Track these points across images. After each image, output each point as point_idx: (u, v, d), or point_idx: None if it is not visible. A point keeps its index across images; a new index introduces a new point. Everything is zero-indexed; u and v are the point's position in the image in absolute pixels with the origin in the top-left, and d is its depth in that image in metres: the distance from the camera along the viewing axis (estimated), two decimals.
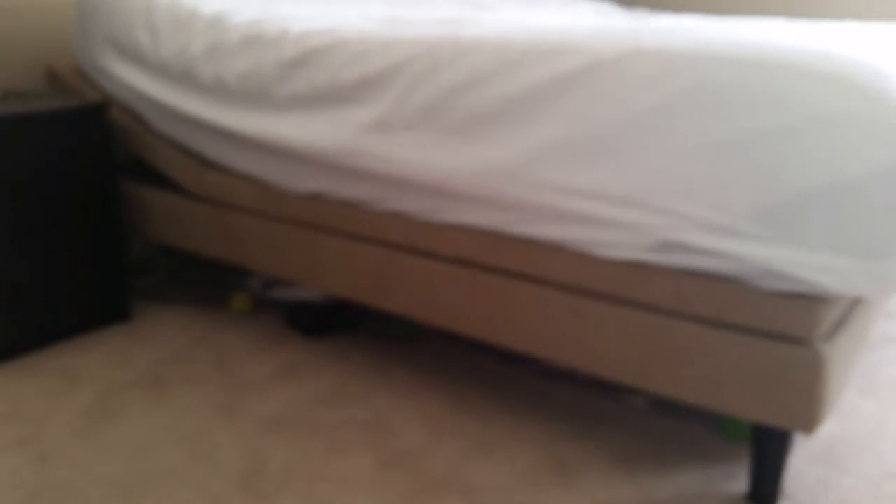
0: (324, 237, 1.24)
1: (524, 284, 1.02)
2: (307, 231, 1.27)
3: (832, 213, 0.78)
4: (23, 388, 1.24)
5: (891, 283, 0.79)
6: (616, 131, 0.88)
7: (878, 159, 0.76)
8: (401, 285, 1.15)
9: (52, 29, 1.68)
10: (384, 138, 1.07)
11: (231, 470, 1.02)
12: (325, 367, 1.32)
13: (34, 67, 1.66)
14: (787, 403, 0.84)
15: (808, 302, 0.82)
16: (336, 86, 1.12)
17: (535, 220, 0.99)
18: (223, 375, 1.29)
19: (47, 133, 1.33)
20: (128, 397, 1.21)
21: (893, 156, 0.75)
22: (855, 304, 0.94)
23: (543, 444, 1.08)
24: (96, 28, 1.51)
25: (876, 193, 0.76)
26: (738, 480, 1.00)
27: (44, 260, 1.36)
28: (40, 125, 1.32)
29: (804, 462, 1.03)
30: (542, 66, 0.93)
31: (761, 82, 0.80)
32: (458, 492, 0.97)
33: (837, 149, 0.76)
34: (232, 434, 1.11)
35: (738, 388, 0.87)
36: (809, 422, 0.84)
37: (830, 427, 1.11)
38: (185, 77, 1.34)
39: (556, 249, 0.98)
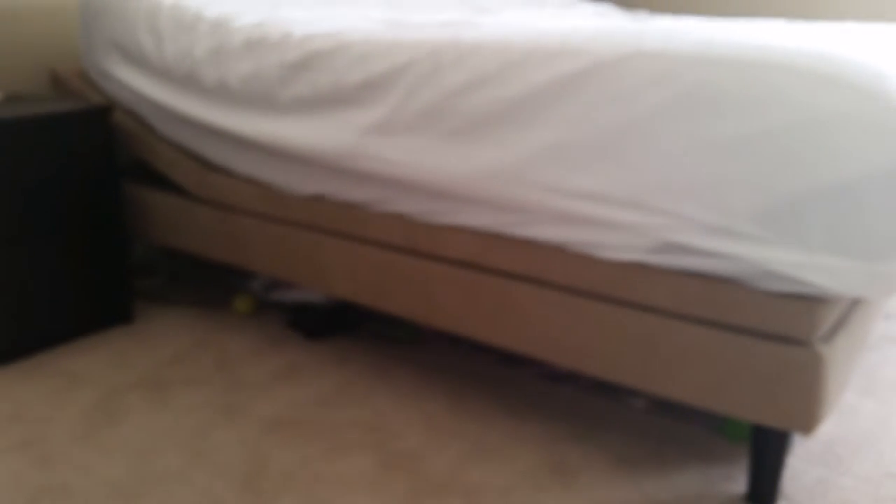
0: (326, 239, 1.25)
1: (525, 286, 1.02)
2: (309, 233, 1.27)
3: (832, 215, 0.78)
4: (25, 390, 1.25)
5: (889, 283, 0.80)
6: (616, 133, 0.88)
7: (878, 160, 0.76)
8: (402, 287, 1.16)
9: (56, 33, 1.69)
10: (386, 140, 1.08)
11: (232, 471, 1.02)
12: (327, 368, 1.32)
13: (38, 71, 1.67)
14: (786, 404, 0.84)
15: (807, 303, 0.82)
16: (338, 88, 1.13)
17: (536, 221, 0.99)
18: (225, 377, 1.29)
19: (51, 136, 1.34)
20: (130, 399, 1.22)
21: (892, 157, 0.76)
22: (854, 305, 0.94)
23: (544, 445, 1.08)
24: (100, 32, 1.52)
25: (875, 194, 0.77)
26: (738, 481, 1.00)
27: (46, 262, 1.36)
28: (44, 128, 1.33)
29: (803, 462, 1.03)
30: (543, 68, 0.93)
31: (761, 84, 0.80)
32: (459, 492, 0.98)
33: (837, 150, 0.77)
34: (233, 435, 1.11)
35: (737, 389, 0.87)
36: (808, 422, 0.84)
37: (829, 427, 1.11)
38: (188, 80, 1.35)
39: (556, 251, 0.99)
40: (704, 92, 0.82)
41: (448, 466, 1.03)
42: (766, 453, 0.93)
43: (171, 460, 1.05)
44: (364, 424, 1.14)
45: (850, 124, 0.76)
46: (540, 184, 0.94)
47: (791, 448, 1.03)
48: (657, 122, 0.86)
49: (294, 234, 1.29)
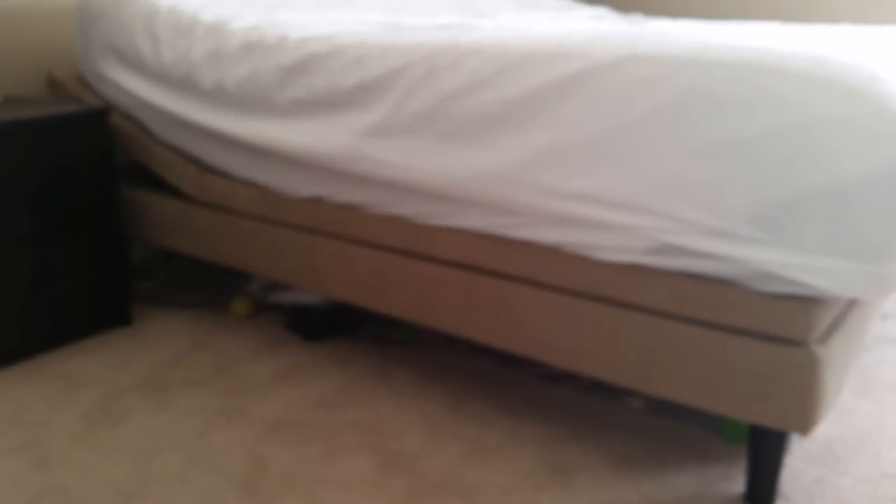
0: (323, 241, 1.25)
1: (522, 287, 1.02)
2: (307, 235, 1.27)
3: (827, 216, 0.78)
4: (24, 392, 1.25)
5: (885, 284, 0.80)
6: (613, 135, 0.89)
7: (872, 162, 0.76)
8: (400, 289, 1.16)
9: (53, 37, 1.69)
10: (383, 143, 1.08)
11: (232, 473, 1.02)
12: (326, 370, 1.32)
13: (35, 75, 1.67)
14: (783, 404, 0.85)
15: (803, 304, 0.82)
16: (335, 91, 1.13)
17: (533, 223, 0.99)
18: (224, 379, 1.29)
19: (49, 138, 1.34)
20: (129, 401, 1.22)
21: (888, 159, 0.76)
22: (850, 306, 0.95)
23: (542, 445, 1.08)
24: (97, 36, 1.52)
25: (870, 196, 0.77)
26: (736, 481, 1.00)
27: (45, 264, 1.36)
28: (42, 131, 1.33)
29: (801, 463, 1.03)
30: (540, 70, 0.93)
31: (757, 86, 0.80)
32: (458, 493, 0.98)
33: (832, 152, 0.77)
34: (233, 436, 1.11)
35: (734, 390, 0.87)
36: (805, 423, 0.84)
37: (827, 428, 1.11)
38: (185, 83, 1.35)
39: (553, 252, 0.99)
40: (699, 95, 0.83)
41: (447, 467, 1.03)
42: (763, 453, 0.93)
43: (171, 462, 1.05)
44: (363, 425, 1.14)
45: (844, 127, 0.77)
46: (537, 186, 0.95)
47: (789, 448, 1.04)
48: (653, 125, 0.86)
49: (292, 236, 1.29)
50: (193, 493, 0.98)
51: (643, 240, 0.90)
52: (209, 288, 1.69)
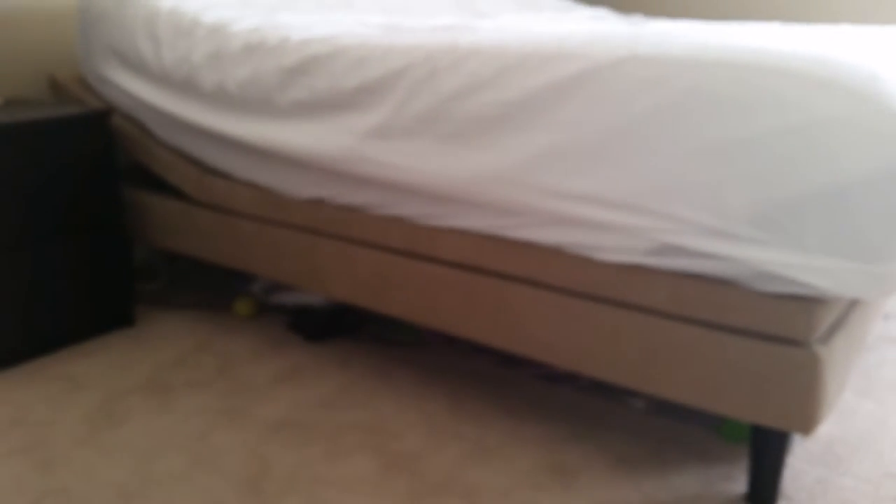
0: (325, 242, 1.26)
1: (523, 288, 1.02)
2: (308, 236, 1.28)
3: (827, 216, 0.78)
4: (27, 394, 1.25)
5: (886, 284, 0.80)
6: (613, 136, 0.89)
7: (873, 163, 0.76)
8: (401, 289, 1.16)
9: (55, 39, 1.70)
10: (384, 145, 1.09)
11: (234, 474, 1.03)
12: (328, 370, 1.33)
13: (37, 77, 1.68)
14: (784, 405, 0.85)
15: (804, 304, 0.82)
16: (336, 93, 1.14)
17: (534, 224, 1.00)
18: (226, 380, 1.30)
19: (51, 140, 1.35)
20: (132, 402, 1.22)
21: (888, 159, 0.76)
22: (852, 306, 0.95)
23: (543, 445, 1.09)
24: (98, 38, 1.53)
25: (870, 196, 0.77)
26: (737, 481, 1.00)
27: (48, 266, 1.37)
28: (44, 132, 1.34)
29: (803, 463, 1.03)
30: (540, 71, 0.93)
31: (757, 86, 0.80)
32: (459, 494, 0.98)
33: (832, 152, 0.77)
34: (235, 437, 1.11)
35: (736, 390, 0.87)
36: (807, 423, 0.84)
37: (829, 428, 1.11)
38: (186, 85, 1.36)
39: (554, 253, 0.99)
40: (699, 95, 0.83)
41: (448, 467, 1.03)
42: (765, 454, 0.93)
43: (173, 463, 1.05)
44: (365, 426, 1.14)
45: (844, 127, 0.77)
46: (537, 187, 0.95)
47: (790, 448, 1.04)
48: (653, 125, 0.86)
49: (293, 237, 1.30)
50: (196, 494, 0.98)
51: (644, 240, 0.90)
52: (212, 289, 1.70)
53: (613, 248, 0.93)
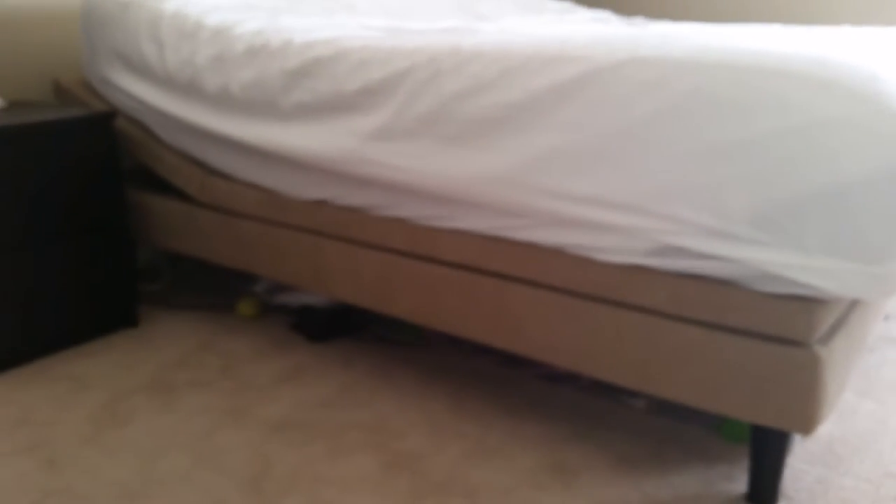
0: (328, 243, 1.26)
1: (524, 288, 1.03)
2: (311, 237, 1.28)
3: (828, 217, 0.78)
4: (32, 394, 1.26)
5: (887, 285, 0.80)
6: (614, 137, 0.89)
7: (873, 163, 0.76)
8: (404, 290, 1.17)
9: (59, 43, 1.71)
10: (387, 146, 1.09)
11: (237, 473, 1.03)
12: (330, 370, 1.33)
13: (41, 80, 1.69)
14: (785, 405, 0.85)
15: (805, 304, 0.83)
16: (339, 95, 1.14)
17: (535, 225, 1.00)
18: (229, 379, 1.30)
19: (55, 142, 1.36)
20: (135, 402, 1.23)
21: (889, 160, 0.76)
22: (853, 306, 0.95)
23: (544, 445, 1.09)
24: (102, 41, 1.54)
25: (871, 197, 0.77)
26: (738, 481, 1.01)
27: (52, 267, 1.38)
28: (49, 134, 1.35)
29: (803, 463, 1.04)
30: (542, 73, 0.94)
31: (757, 88, 0.81)
32: (460, 493, 0.98)
33: (833, 153, 0.77)
34: (238, 437, 1.12)
35: (736, 390, 0.88)
36: (807, 423, 0.85)
37: (829, 428, 1.12)
38: (190, 88, 1.37)
39: (555, 254, 1.00)
40: (700, 97, 0.83)
41: (449, 466, 1.04)
42: (765, 453, 0.94)
43: (177, 462, 1.06)
44: (367, 425, 1.15)
45: (845, 128, 0.77)
46: (538, 188, 0.96)
47: (791, 448, 1.04)
48: (654, 127, 0.87)
49: (296, 238, 1.31)
50: (198, 493, 0.99)
51: (644, 241, 0.91)
52: (215, 290, 1.70)
53: (614, 248, 0.94)
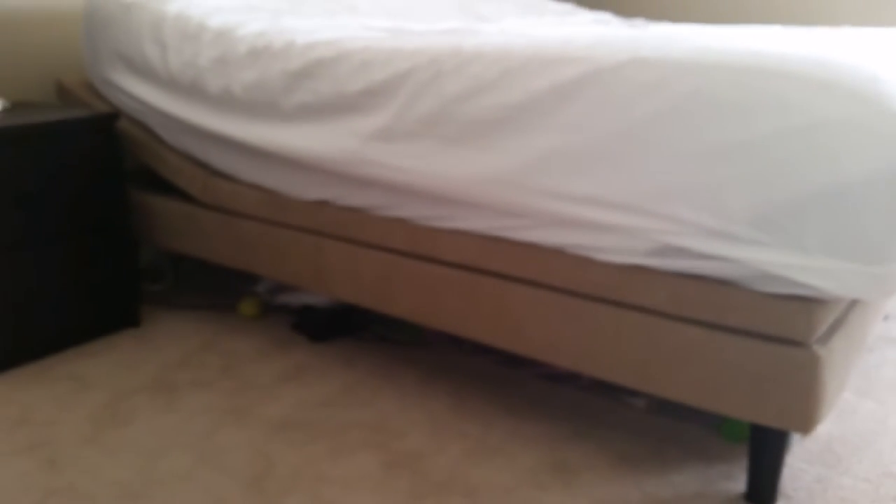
0: (329, 243, 1.27)
1: (525, 288, 1.03)
2: (313, 237, 1.29)
3: (828, 218, 0.79)
4: (33, 394, 1.26)
5: (886, 285, 0.80)
6: (615, 138, 0.90)
7: (873, 164, 0.77)
8: (404, 290, 1.18)
9: (62, 44, 1.72)
10: (388, 147, 1.10)
11: (238, 472, 1.04)
12: (331, 370, 1.34)
13: (44, 81, 1.70)
14: (784, 404, 0.85)
15: (805, 304, 0.83)
16: (341, 96, 1.15)
17: (536, 226, 1.01)
18: (231, 379, 1.31)
19: (58, 143, 1.36)
20: (137, 402, 1.24)
21: (889, 160, 0.77)
22: (852, 306, 0.95)
23: (545, 444, 1.09)
24: (104, 43, 1.54)
25: (871, 198, 0.77)
26: (737, 480, 1.01)
27: (54, 267, 1.38)
28: (52, 135, 1.35)
29: (802, 462, 1.04)
30: (543, 74, 0.94)
31: (758, 89, 0.81)
32: (461, 492, 0.99)
33: (833, 154, 0.77)
34: (240, 437, 1.13)
35: (735, 390, 0.88)
36: (806, 422, 0.85)
37: (829, 427, 1.12)
38: (193, 89, 1.37)
39: (556, 254, 1.00)
40: (701, 98, 0.84)
41: (451, 465, 1.04)
42: (764, 453, 0.94)
43: (178, 461, 1.06)
44: (368, 425, 1.15)
45: (845, 128, 0.77)
46: (539, 189, 0.96)
47: (790, 448, 1.04)
48: (654, 128, 0.87)
49: (298, 238, 1.31)
50: (200, 493, 0.99)
51: (644, 241, 0.91)
52: (217, 290, 1.71)
53: (614, 249, 0.94)
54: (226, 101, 1.32)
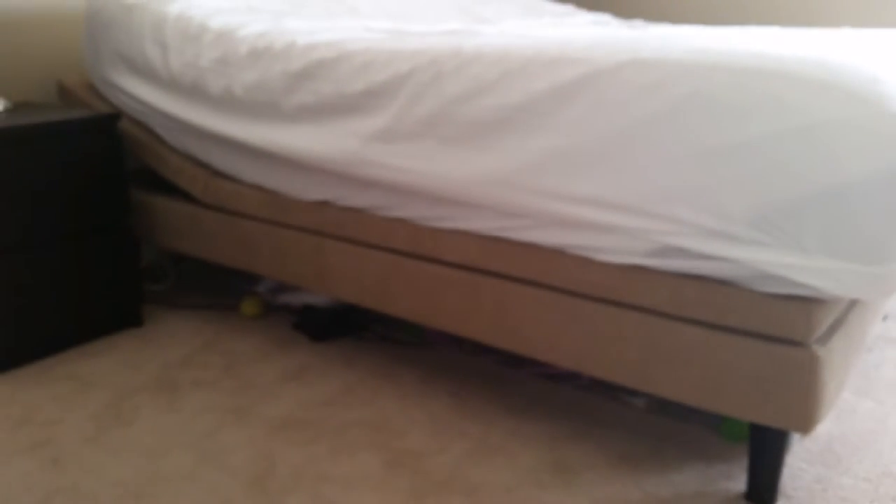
0: (330, 243, 1.27)
1: (525, 288, 1.04)
2: (314, 237, 1.29)
3: (827, 218, 0.79)
4: (36, 394, 1.27)
5: (886, 285, 0.81)
6: (615, 139, 0.90)
7: (872, 164, 0.77)
8: (405, 290, 1.18)
9: (63, 45, 1.72)
10: (389, 148, 1.10)
11: (240, 471, 1.04)
12: (333, 369, 1.34)
13: (45, 82, 1.70)
14: (784, 404, 0.86)
15: (804, 304, 0.83)
16: (342, 97, 1.15)
17: (536, 226, 1.01)
18: (233, 379, 1.31)
19: (60, 143, 1.37)
20: (139, 401, 1.24)
21: (888, 160, 0.77)
22: (852, 306, 0.95)
23: (545, 444, 1.10)
24: (106, 43, 1.55)
25: (870, 198, 0.78)
26: (737, 480, 1.01)
27: (56, 267, 1.39)
28: (54, 135, 1.36)
29: (802, 462, 1.04)
30: (542, 76, 0.95)
31: (757, 90, 0.81)
32: (462, 491, 0.99)
33: (833, 154, 0.78)
34: (242, 435, 1.13)
35: (735, 390, 0.88)
36: (806, 422, 0.85)
37: (828, 427, 1.12)
38: (194, 90, 1.38)
39: (556, 254, 1.01)
40: (700, 99, 0.84)
41: (451, 465, 1.05)
42: (764, 452, 0.94)
43: (180, 460, 1.07)
44: (369, 424, 1.16)
45: (845, 129, 0.77)
46: (539, 189, 0.96)
47: (790, 447, 1.04)
48: (654, 129, 0.87)
49: (299, 238, 1.31)
50: (202, 492, 1.00)
51: (644, 242, 0.92)
52: (218, 290, 1.71)
53: (614, 249, 0.94)
54: (227, 102, 1.32)
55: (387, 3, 1.69)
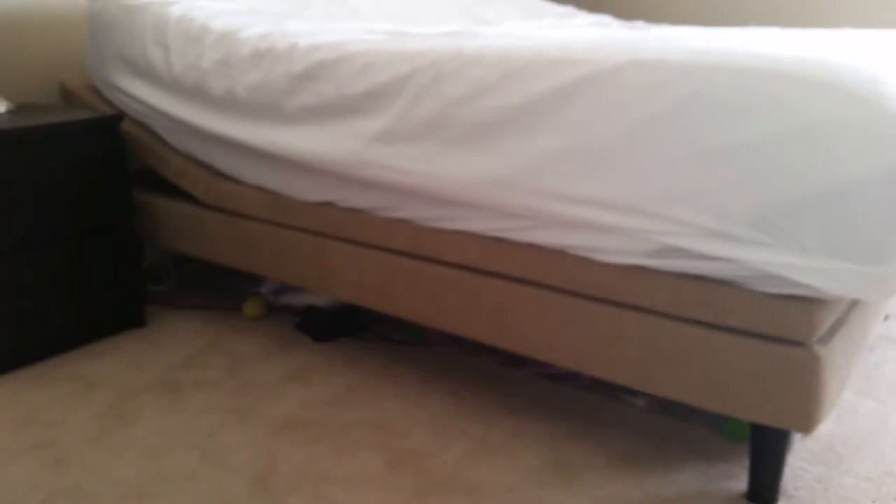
0: (332, 244, 1.28)
1: (526, 289, 1.04)
2: (316, 238, 1.30)
3: (828, 218, 0.79)
4: (39, 394, 1.27)
5: (886, 285, 0.81)
6: (615, 140, 0.90)
7: (872, 164, 0.77)
8: (407, 290, 1.18)
9: (65, 47, 1.73)
10: (390, 149, 1.10)
11: (243, 471, 1.04)
12: (335, 370, 1.34)
13: (48, 84, 1.71)
14: (785, 404, 0.86)
15: (805, 304, 0.83)
16: (343, 98, 1.16)
17: (537, 227, 1.01)
18: (235, 379, 1.32)
19: (63, 145, 1.37)
20: (142, 401, 1.24)
21: (889, 161, 0.77)
22: (853, 307, 0.95)
23: (546, 443, 1.10)
24: (108, 45, 1.55)
25: (870, 198, 0.78)
26: (738, 479, 1.01)
27: (59, 268, 1.39)
28: (57, 137, 1.36)
29: (803, 461, 1.04)
30: (543, 77, 0.95)
31: (756, 91, 0.81)
32: (463, 491, 0.99)
33: (833, 154, 0.78)
34: (244, 436, 1.13)
35: (736, 390, 0.89)
36: (807, 422, 0.85)
37: (830, 427, 1.12)
38: (196, 91, 1.38)
39: (557, 255, 1.01)
40: (701, 99, 0.84)
41: (452, 465, 1.05)
42: (766, 452, 0.95)
43: (183, 460, 1.07)
44: (371, 424, 1.16)
45: (845, 129, 0.77)
46: (540, 190, 0.97)
47: (791, 447, 1.04)
48: (654, 130, 0.87)
49: (301, 239, 1.32)
50: (205, 492, 1.00)
51: (645, 242, 0.92)
52: (220, 290, 1.72)
53: (615, 249, 0.95)
54: (229, 103, 1.33)
55: (387, 4, 1.70)
